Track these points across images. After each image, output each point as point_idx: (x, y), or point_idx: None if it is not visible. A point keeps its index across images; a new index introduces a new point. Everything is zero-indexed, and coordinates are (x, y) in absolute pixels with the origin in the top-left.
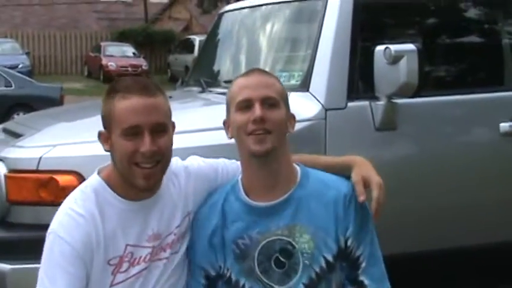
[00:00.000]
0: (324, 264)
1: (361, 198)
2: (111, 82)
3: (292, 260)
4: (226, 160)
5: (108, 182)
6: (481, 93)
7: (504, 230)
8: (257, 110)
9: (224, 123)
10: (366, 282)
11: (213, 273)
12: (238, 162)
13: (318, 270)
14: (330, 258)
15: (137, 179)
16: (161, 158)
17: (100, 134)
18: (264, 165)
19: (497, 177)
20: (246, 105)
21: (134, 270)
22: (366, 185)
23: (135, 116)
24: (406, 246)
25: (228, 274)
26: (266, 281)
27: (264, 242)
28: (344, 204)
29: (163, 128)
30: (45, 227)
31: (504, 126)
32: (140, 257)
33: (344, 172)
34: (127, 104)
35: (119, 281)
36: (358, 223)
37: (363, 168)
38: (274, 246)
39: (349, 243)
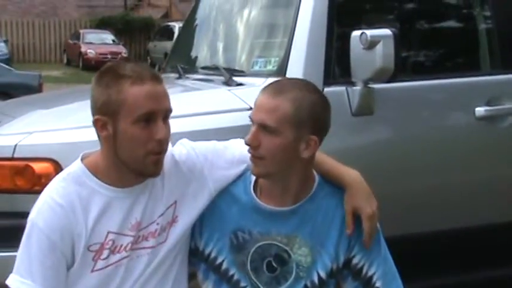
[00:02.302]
0: (316, 279)
1: (348, 231)
2: (91, 69)
3: (285, 268)
4: (227, 144)
5: (94, 169)
6: (457, 78)
7: (481, 212)
8: (249, 134)
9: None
10: None
11: (195, 245)
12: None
13: (309, 284)
14: (323, 274)
15: (149, 166)
16: (166, 146)
17: (96, 121)
18: (267, 180)
19: (473, 160)
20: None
21: (115, 258)
22: (355, 214)
23: (151, 102)
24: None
25: (219, 261)
26: (254, 279)
27: (261, 243)
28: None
29: (169, 115)
30: (21, 214)
31: (479, 110)
32: (121, 245)
33: (338, 185)
34: (144, 90)
35: (99, 268)
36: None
37: (358, 196)
38: (270, 250)
39: (355, 261)
